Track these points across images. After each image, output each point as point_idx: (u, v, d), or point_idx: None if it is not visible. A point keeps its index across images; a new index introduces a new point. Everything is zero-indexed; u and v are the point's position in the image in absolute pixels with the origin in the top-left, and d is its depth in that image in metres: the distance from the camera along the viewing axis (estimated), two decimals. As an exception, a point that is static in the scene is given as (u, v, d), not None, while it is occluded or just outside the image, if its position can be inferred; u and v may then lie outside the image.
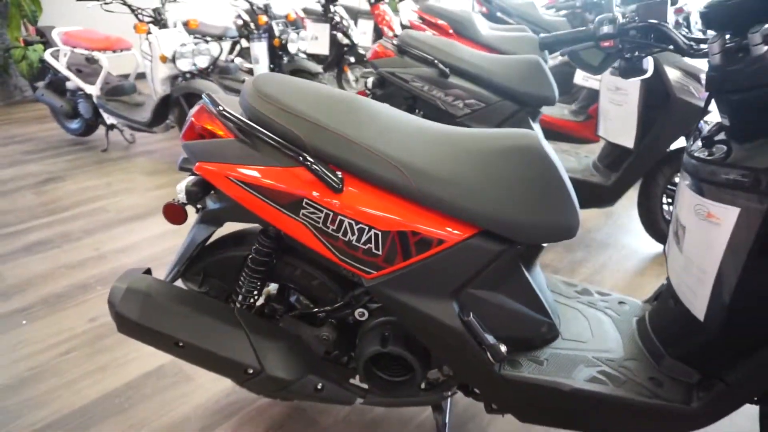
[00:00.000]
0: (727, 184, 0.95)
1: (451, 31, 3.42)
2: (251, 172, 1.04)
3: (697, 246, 1.03)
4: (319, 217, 1.02)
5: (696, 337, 1.09)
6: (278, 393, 1.20)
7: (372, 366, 1.19)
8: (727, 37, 0.98)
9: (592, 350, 1.20)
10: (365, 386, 1.25)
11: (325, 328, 1.23)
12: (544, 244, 1.13)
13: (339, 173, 1.02)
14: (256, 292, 1.25)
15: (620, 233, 2.68)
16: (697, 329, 1.08)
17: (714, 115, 1.10)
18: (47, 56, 3.65)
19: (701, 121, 1.15)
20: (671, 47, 1.06)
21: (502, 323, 1.11)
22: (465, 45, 3.25)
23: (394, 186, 1.01)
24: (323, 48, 5.26)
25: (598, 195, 2.33)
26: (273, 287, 1.38)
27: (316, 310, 1.24)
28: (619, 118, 2.24)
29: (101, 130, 4.11)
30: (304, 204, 1.02)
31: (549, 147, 1.06)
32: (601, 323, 1.30)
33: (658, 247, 2.54)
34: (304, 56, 4.21)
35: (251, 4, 4.25)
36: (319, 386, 1.19)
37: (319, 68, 4.10)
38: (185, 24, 3.65)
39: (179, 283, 1.30)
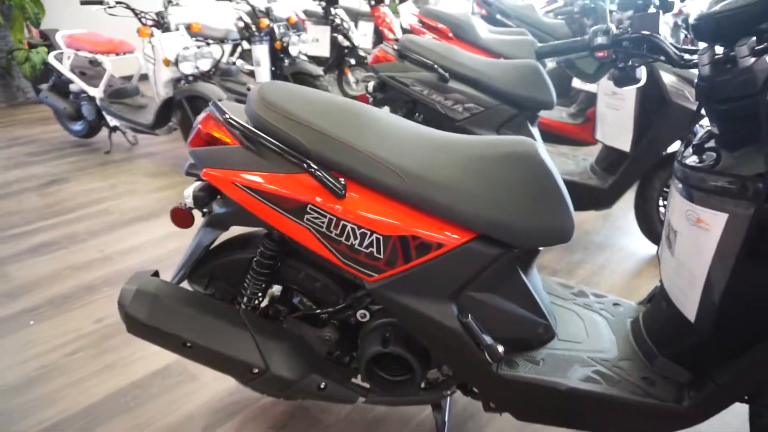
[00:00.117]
0: (716, 190, 0.98)
1: (450, 34, 3.46)
2: (257, 178, 1.08)
3: (687, 250, 1.07)
4: (323, 222, 1.05)
5: (687, 338, 1.12)
6: (282, 392, 1.24)
7: (373, 366, 1.23)
8: (717, 48, 1.02)
9: (587, 350, 1.23)
10: (367, 385, 1.29)
11: (327, 329, 1.26)
12: (541, 248, 1.17)
13: (342, 179, 1.06)
14: (260, 294, 1.28)
15: (618, 235, 2.71)
16: (688, 330, 1.12)
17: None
18: (51, 59, 3.69)
19: (697, 125, 1.18)
20: (663, 58, 1.09)
21: (499, 324, 1.15)
22: (464, 48, 3.29)
23: (394, 191, 1.05)
24: (324, 50, 5.30)
25: (596, 198, 2.37)
26: (276, 289, 1.42)
27: (318, 311, 1.28)
28: (616, 122, 2.28)
29: (104, 132, 4.15)
30: (308, 209, 1.05)
31: (545, 153, 1.09)
32: (596, 324, 1.33)
33: (655, 249, 2.57)
34: (305, 58, 4.24)
35: (253, 7, 4.29)
36: (322, 385, 1.23)
37: (319, 70, 4.14)
38: (188, 27, 3.68)
39: (185, 284, 1.34)
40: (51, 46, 3.91)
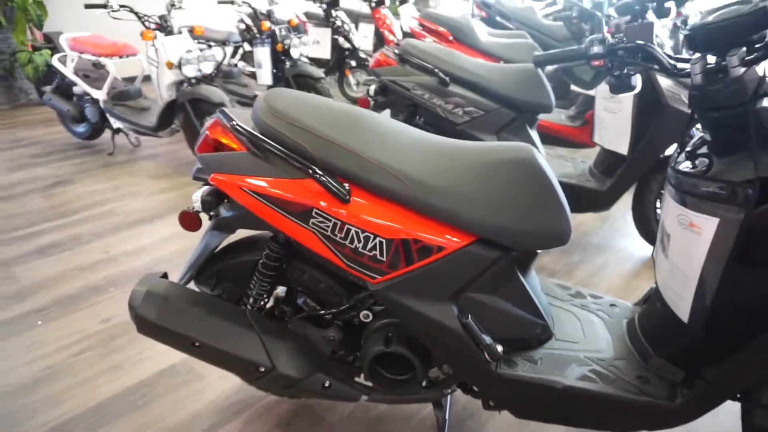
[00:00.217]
0: (707, 196, 1.02)
1: (451, 37, 3.50)
2: (263, 183, 1.11)
3: (680, 253, 1.10)
4: (328, 226, 1.09)
5: (680, 338, 1.16)
6: (287, 390, 1.27)
7: (376, 365, 1.26)
8: (709, 58, 1.05)
9: (583, 350, 1.27)
10: (370, 384, 1.32)
11: (331, 329, 1.30)
12: (539, 251, 1.20)
13: (346, 185, 1.09)
14: (266, 295, 1.32)
15: (616, 237, 2.75)
16: (681, 331, 1.15)
17: None
18: (55, 62, 3.72)
19: (693, 128, 1.21)
20: (657, 67, 1.13)
21: (498, 325, 1.18)
22: (464, 51, 3.33)
23: (397, 196, 1.09)
24: (325, 52, 5.33)
25: (594, 200, 2.40)
26: (281, 290, 1.45)
27: (322, 312, 1.32)
28: (614, 126, 2.31)
29: (107, 134, 4.18)
30: (313, 213, 1.09)
31: (543, 159, 1.13)
32: (592, 325, 1.37)
33: (652, 250, 2.61)
34: (307, 61, 4.28)
35: (254, 10, 4.32)
36: (327, 384, 1.26)
37: (321, 73, 4.17)
38: (191, 30, 3.72)
39: (192, 285, 1.37)
40: (55, 49, 3.95)
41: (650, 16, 2.11)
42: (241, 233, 1.40)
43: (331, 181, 1.07)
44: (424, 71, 2.32)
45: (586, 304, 1.45)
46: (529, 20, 4.36)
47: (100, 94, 3.68)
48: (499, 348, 1.15)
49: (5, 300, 2.14)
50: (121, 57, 3.68)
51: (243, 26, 4.85)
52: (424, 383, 1.33)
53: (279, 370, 1.20)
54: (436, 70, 2.28)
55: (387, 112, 2.53)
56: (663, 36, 2.23)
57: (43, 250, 2.55)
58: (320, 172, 1.08)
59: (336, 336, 1.29)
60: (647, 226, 2.38)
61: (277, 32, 4.10)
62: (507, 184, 1.09)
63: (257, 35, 4.30)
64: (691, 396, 1.12)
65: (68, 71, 3.71)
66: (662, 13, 2.05)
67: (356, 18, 5.85)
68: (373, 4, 5.35)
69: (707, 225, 1.02)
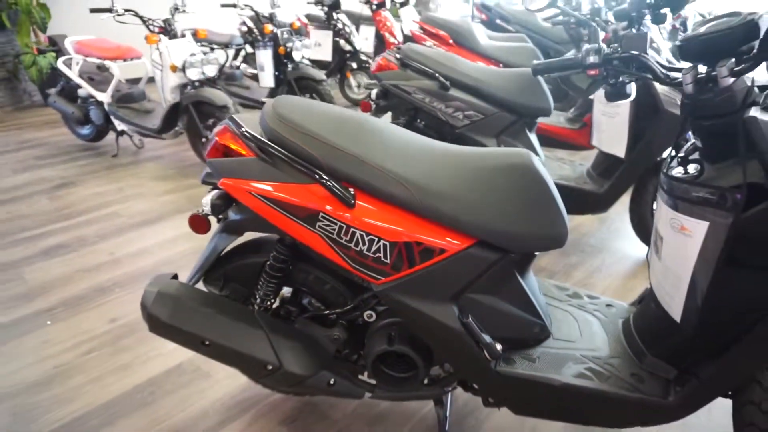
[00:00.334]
0: (698, 200, 1.06)
1: (451, 41, 3.54)
2: (271, 188, 1.15)
3: (673, 255, 1.14)
4: (334, 229, 1.13)
5: (673, 337, 1.20)
6: (293, 388, 1.32)
7: (379, 363, 1.31)
8: (700, 68, 1.09)
9: (580, 349, 1.31)
10: (373, 382, 1.37)
11: (336, 328, 1.34)
12: (537, 253, 1.25)
13: (351, 189, 1.13)
14: (272, 296, 1.36)
15: (613, 238, 2.79)
16: (674, 330, 1.20)
17: None
18: (60, 64, 3.77)
19: (688, 132, 1.26)
20: (650, 76, 1.17)
21: (498, 324, 1.22)
22: (464, 55, 3.37)
23: (400, 201, 1.13)
24: (326, 54, 5.38)
25: (592, 202, 2.44)
26: (287, 291, 1.49)
27: (327, 312, 1.36)
28: (612, 129, 2.35)
29: (111, 136, 4.23)
30: (319, 217, 1.13)
31: (540, 164, 1.17)
32: (589, 324, 1.41)
33: (650, 251, 2.65)
34: (308, 63, 4.32)
35: (257, 13, 4.37)
36: (332, 381, 1.31)
37: (322, 75, 4.22)
38: (194, 34, 3.76)
39: (200, 286, 1.41)
40: (59, 52, 4.00)
41: (647, 20, 2.16)
42: (248, 236, 1.44)
43: (336, 186, 1.12)
44: (425, 75, 2.36)
45: (583, 305, 1.49)
46: (528, 23, 4.41)
47: (104, 97, 3.72)
48: (499, 347, 1.19)
49: (15, 300, 2.19)
50: (125, 60, 3.72)
51: (245, 28, 4.90)
52: (425, 381, 1.37)
53: (286, 367, 1.24)
54: (437, 75, 2.32)
55: (387, 116, 2.57)
56: (660, 40, 2.27)
57: (50, 252, 2.59)
58: (326, 178, 1.12)
59: (340, 335, 1.33)
60: (644, 227, 2.42)
61: (279, 35, 4.15)
62: (506, 188, 1.13)
63: (259, 38, 4.34)
64: (683, 393, 1.17)
65: (73, 74, 3.75)
66: (658, 19, 2.09)
67: (357, 20, 5.90)
68: (374, 7, 5.40)
69: (698, 228, 1.06)
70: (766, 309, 1.06)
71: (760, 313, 1.06)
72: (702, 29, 1.07)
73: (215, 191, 1.26)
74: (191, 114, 3.45)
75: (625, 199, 3.04)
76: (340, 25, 5.20)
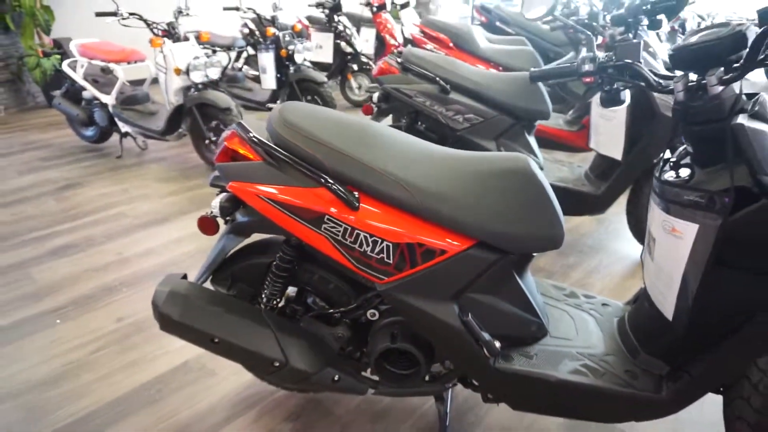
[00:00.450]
0: (688, 203, 1.11)
1: (451, 44, 3.58)
2: (278, 191, 1.20)
3: (665, 256, 1.19)
4: (339, 231, 1.18)
5: (666, 335, 1.25)
6: (299, 384, 1.36)
7: (382, 360, 1.35)
8: (691, 76, 1.14)
9: (576, 346, 1.36)
10: (376, 378, 1.41)
11: (340, 327, 1.39)
12: (534, 254, 1.29)
13: (356, 193, 1.18)
14: (279, 295, 1.40)
15: (611, 239, 2.84)
16: (666, 328, 1.24)
17: None
18: (65, 67, 3.81)
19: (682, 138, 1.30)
20: (643, 84, 1.22)
21: (496, 322, 1.27)
22: (464, 58, 3.42)
23: (402, 203, 1.18)
24: (327, 56, 5.42)
25: (590, 203, 2.49)
26: (292, 290, 1.54)
27: (332, 311, 1.40)
28: (609, 132, 2.40)
29: (115, 137, 4.27)
30: (325, 219, 1.18)
31: (537, 168, 1.22)
32: (585, 323, 1.46)
33: (646, 252, 2.69)
34: (309, 65, 4.37)
35: (259, 16, 4.41)
36: (336, 378, 1.35)
37: (323, 77, 4.26)
38: (197, 36, 3.81)
39: (208, 285, 1.46)
40: (64, 54, 4.04)
41: (644, 25, 2.20)
42: (254, 237, 1.48)
43: (341, 189, 1.16)
44: (426, 79, 2.40)
45: (579, 304, 1.54)
46: (528, 25, 4.46)
47: (109, 99, 3.77)
48: (497, 344, 1.23)
49: (25, 300, 2.23)
50: (129, 63, 3.77)
51: (246, 30, 4.95)
52: (427, 377, 1.42)
53: (292, 364, 1.29)
54: (437, 79, 2.36)
55: (388, 119, 2.62)
56: (657, 44, 2.32)
57: (58, 252, 2.64)
58: (332, 181, 1.17)
59: (344, 333, 1.38)
60: (641, 228, 2.47)
61: (281, 38, 4.20)
62: (504, 192, 1.17)
63: (261, 41, 4.39)
64: (675, 389, 1.21)
65: (78, 76, 3.80)
66: (654, 25, 2.14)
67: (358, 22, 5.94)
68: (375, 9, 5.45)
69: (688, 230, 1.11)
70: (754, 308, 1.11)
71: (748, 312, 1.11)
72: (693, 39, 1.12)
73: (224, 194, 1.30)
74: (195, 116, 3.50)
75: (622, 201, 3.08)
76: (341, 28, 5.25)
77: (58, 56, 4.58)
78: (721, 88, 1.07)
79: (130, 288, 2.33)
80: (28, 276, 2.41)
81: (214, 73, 3.51)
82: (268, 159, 1.22)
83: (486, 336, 1.23)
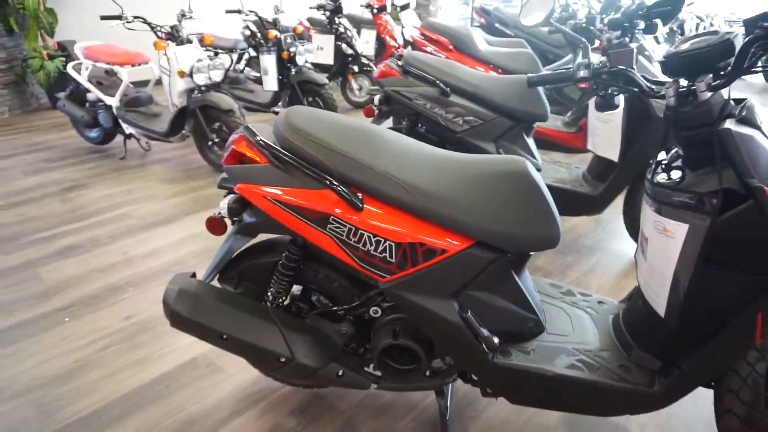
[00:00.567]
0: (679, 204, 1.15)
1: (451, 47, 3.63)
2: (284, 193, 1.25)
3: (657, 255, 1.24)
4: (343, 231, 1.22)
5: (658, 331, 1.29)
6: (305, 380, 1.41)
7: (385, 356, 1.40)
8: (682, 82, 1.19)
9: (572, 342, 1.41)
10: (379, 373, 1.46)
11: (344, 323, 1.43)
12: (531, 253, 1.34)
13: (359, 194, 1.23)
14: (284, 293, 1.45)
15: (608, 239, 2.88)
16: (659, 324, 1.29)
17: None
18: (70, 69, 3.86)
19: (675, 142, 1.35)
20: (636, 89, 1.26)
21: (495, 319, 1.32)
22: (464, 60, 3.46)
23: (404, 204, 1.22)
24: (328, 58, 5.47)
25: (587, 204, 2.53)
26: (297, 288, 1.58)
27: (336, 308, 1.45)
28: (606, 134, 2.44)
29: (118, 139, 4.32)
30: (330, 220, 1.22)
31: (535, 170, 1.26)
32: (581, 320, 1.50)
33: (643, 252, 2.74)
34: (310, 67, 4.41)
35: (260, 18, 4.46)
36: (340, 373, 1.40)
37: (325, 79, 4.31)
38: (200, 39, 3.86)
39: (215, 283, 1.50)
40: (69, 57, 4.09)
41: (640, 29, 2.25)
42: (261, 237, 1.53)
43: (346, 191, 1.21)
44: (426, 82, 2.45)
45: (576, 302, 1.58)
46: (527, 27, 4.50)
47: (113, 101, 3.81)
48: (496, 340, 1.28)
49: (34, 299, 2.28)
50: (133, 65, 3.82)
51: (248, 32, 4.99)
52: (428, 373, 1.46)
53: (298, 360, 1.34)
54: (437, 81, 2.41)
55: (388, 121, 2.67)
56: (653, 47, 2.37)
57: (64, 252, 2.68)
58: (336, 183, 1.21)
59: (348, 330, 1.42)
60: (637, 228, 2.51)
61: (283, 40, 4.24)
62: (502, 193, 1.22)
63: (263, 43, 4.44)
64: (667, 383, 1.26)
65: (83, 79, 3.84)
66: (650, 29, 2.19)
67: (358, 24, 5.99)
68: (375, 11, 5.49)
69: (679, 230, 1.16)
70: (741, 305, 1.15)
71: (736, 308, 1.16)
72: (684, 46, 1.17)
73: (231, 195, 1.35)
74: (198, 118, 3.54)
75: (619, 201, 3.13)
76: (341, 29, 5.30)
77: (63, 59, 4.63)
78: (709, 93, 1.12)
79: (136, 287, 2.38)
80: (36, 276, 2.46)
81: (217, 76, 3.55)
82: (275, 162, 1.27)
83: (485, 332, 1.27)
